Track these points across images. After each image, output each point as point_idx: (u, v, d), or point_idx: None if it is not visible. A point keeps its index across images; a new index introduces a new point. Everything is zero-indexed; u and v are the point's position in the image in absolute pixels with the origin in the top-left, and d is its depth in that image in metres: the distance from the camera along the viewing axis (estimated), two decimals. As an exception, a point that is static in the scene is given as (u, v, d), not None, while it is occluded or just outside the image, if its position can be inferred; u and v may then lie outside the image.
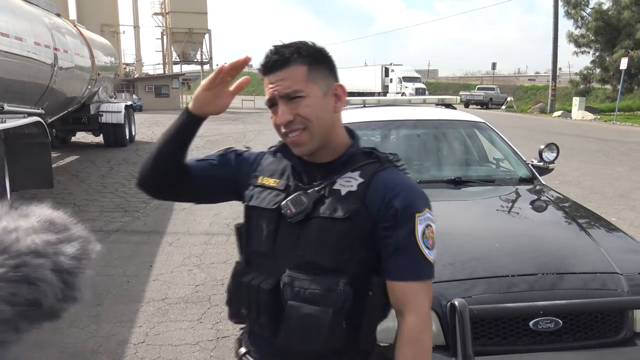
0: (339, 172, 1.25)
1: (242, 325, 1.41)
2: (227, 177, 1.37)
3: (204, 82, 1.27)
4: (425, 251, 1.19)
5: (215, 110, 1.30)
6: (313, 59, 1.22)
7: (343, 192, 1.21)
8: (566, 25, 50.13)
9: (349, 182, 1.22)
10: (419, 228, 1.19)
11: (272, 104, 1.23)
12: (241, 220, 1.37)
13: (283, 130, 1.23)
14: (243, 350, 1.37)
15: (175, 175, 1.34)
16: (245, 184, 1.35)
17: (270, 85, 1.21)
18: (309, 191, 1.23)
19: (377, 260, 1.22)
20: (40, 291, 0.85)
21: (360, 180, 1.22)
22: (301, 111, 1.20)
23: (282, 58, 1.20)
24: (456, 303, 2.03)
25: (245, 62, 1.25)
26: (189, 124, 1.29)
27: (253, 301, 1.25)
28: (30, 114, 6.86)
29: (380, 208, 1.20)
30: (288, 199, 1.23)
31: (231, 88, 1.29)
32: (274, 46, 1.22)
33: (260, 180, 1.32)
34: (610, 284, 2.27)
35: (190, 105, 1.29)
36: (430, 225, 1.22)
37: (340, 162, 1.26)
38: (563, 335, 2.15)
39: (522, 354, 2.10)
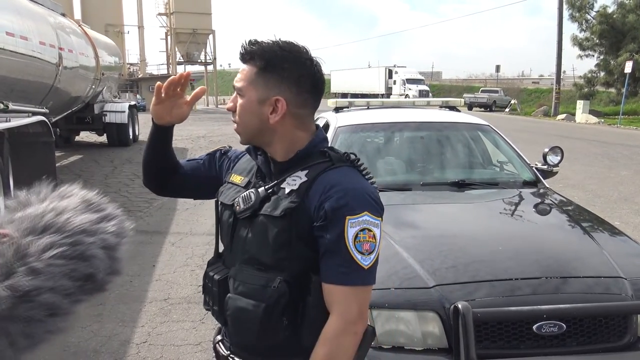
0: (291, 170, 1.28)
1: None
2: (211, 175, 1.48)
3: (154, 97, 1.38)
4: (357, 256, 1.17)
5: (174, 119, 1.39)
6: (266, 64, 1.23)
7: (287, 191, 1.24)
8: (571, 29, 50.03)
9: (295, 181, 1.24)
10: (350, 231, 1.17)
11: None
12: None
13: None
14: (219, 337, 1.44)
15: (167, 174, 1.47)
16: (223, 181, 1.45)
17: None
18: (260, 189, 1.27)
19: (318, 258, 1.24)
20: (94, 266, 0.96)
21: (305, 179, 1.24)
22: (237, 108, 1.29)
23: (244, 53, 1.27)
24: (459, 306, 2.03)
25: (181, 78, 1.35)
26: (158, 132, 1.42)
27: (209, 291, 1.35)
28: (34, 113, 6.88)
29: (316, 208, 1.20)
30: (240, 195, 1.29)
31: (188, 99, 1.40)
32: (249, 40, 1.27)
33: (231, 178, 1.40)
34: (614, 288, 2.26)
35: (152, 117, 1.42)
36: (370, 230, 1.18)
37: (293, 161, 1.28)
38: (567, 339, 2.14)
39: (525, 358, 2.09)
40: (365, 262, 1.18)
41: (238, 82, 1.27)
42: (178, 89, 1.35)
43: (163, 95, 1.34)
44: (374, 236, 1.19)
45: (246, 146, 1.40)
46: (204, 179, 1.48)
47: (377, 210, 1.22)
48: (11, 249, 0.90)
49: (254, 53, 1.24)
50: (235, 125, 1.31)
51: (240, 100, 1.28)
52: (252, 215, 1.25)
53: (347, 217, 1.17)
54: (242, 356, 1.33)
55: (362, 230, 1.17)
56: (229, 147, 1.54)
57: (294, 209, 1.20)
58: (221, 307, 1.31)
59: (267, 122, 1.25)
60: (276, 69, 1.23)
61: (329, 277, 1.19)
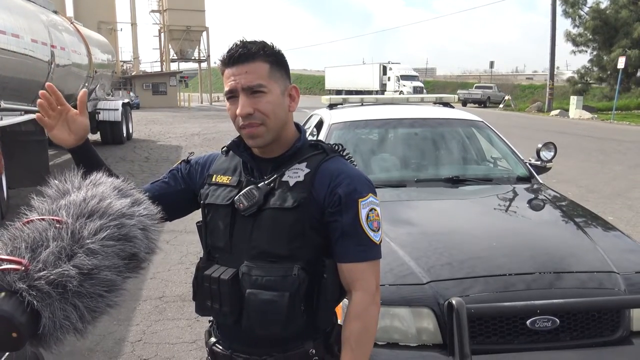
0: (287, 164, 1.32)
1: (211, 318, 1.46)
2: (180, 189, 1.47)
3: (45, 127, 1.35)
4: (370, 233, 1.28)
5: (78, 135, 1.35)
6: (275, 59, 1.30)
7: (291, 183, 1.29)
8: (564, 24, 50.25)
9: (296, 173, 1.30)
10: (363, 212, 1.28)
11: (232, 95, 1.29)
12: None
13: (241, 122, 1.28)
14: (213, 340, 1.43)
15: None
16: (199, 186, 1.44)
17: (233, 77, 1.27)
18: (259, 185, 1.30)
19: (328, 243, 1.30)
20: (137, 246, 1.06)
21: (307, 170, 1.30)
22: (261, 107, 1.26)
23: (248, 52, 1.26)
24: (454, 302, 2.04)
25: (47, 95, 1.29)
26: (78, 158, 1.40)
27: (215, 293, 1.32)
28: (27, 112, 6.85)
29: (326, 195, 1.28)
30: (240, 193, 1.31)
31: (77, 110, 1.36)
32: (240, 40, 1.29)
33: (214, 179, 1.40)
34: (607, 283, 2.27)
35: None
36: (375, 209, 1.31)
37: (287, 155, 1.34)
38: (560, 334, 2.15)
39: (519, 353, 2.10)
40: (376, 238, 1.30)
41: (254, 81, 1.25)
42: (56, 105, 1.31)
43: (48, 120, 1.32)
44: (378, 214, 1.32)
45: (223, 146, 1.42)
46: (173, 195, 1.45)
47: (375, 191, 1.34)
48: (67, 233, 0.98)
49: (262, 50, 1.28)
50: (257, 126, 1.27)
51: (266, 98, 1.26)
52: (257, 211, 1.28)
53: (359, 199, 1.28)
54: (250, 352, 1.34)
55: (371, 210, 1.30)
56: (191, 153, 1.57)
57: (305, 198, 1.26)
58: (233, 306, 1.29)
59: (287, 112, 1.33)
60: (281, 62, 1.31)
61: (349, 257, 1.28)
